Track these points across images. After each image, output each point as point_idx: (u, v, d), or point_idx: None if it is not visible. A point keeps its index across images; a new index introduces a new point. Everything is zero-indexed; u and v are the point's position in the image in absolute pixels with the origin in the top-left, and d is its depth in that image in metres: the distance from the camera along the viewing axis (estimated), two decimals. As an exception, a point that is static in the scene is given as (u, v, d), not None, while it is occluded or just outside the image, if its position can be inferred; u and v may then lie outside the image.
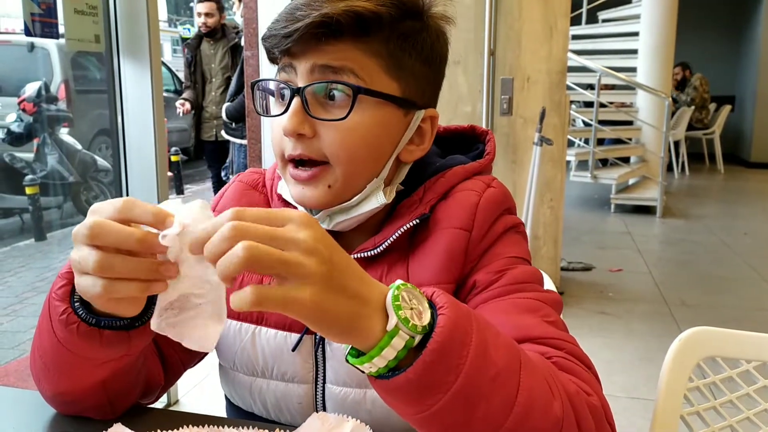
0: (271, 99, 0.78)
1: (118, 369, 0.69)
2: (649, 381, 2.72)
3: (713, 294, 3.91)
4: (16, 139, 4.99)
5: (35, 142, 5.02)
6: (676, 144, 8.29)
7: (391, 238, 0.76)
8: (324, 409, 0.78)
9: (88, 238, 0.54)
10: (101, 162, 5.58)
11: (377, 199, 0.77)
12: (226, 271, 0.47)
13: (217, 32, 4.50)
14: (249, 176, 0.89)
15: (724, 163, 8.88)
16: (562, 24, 3.42)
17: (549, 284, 0.97)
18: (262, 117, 0.79)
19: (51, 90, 5.38)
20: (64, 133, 5.25)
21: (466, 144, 0.89)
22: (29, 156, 5.02)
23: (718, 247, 5.03)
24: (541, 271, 0.82)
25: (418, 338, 0.53)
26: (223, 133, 4.36)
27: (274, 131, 0.76)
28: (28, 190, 4.73)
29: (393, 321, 0.53)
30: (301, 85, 0.73)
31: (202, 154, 4.87)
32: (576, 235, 5.06)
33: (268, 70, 3.08)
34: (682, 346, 0.88)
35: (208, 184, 7.40)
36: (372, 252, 0.77)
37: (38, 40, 5.62)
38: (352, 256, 0.78)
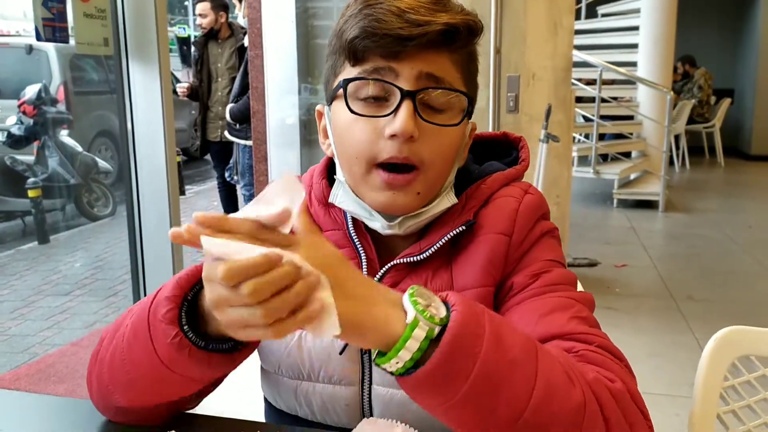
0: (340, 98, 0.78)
1: (203, 386, 0.71)
2: (657, 375, 2.73)
3: (720, 288, 3.92)
4: (16, 142, 4.98)
5: (35, 144, 5.01)
6: (677, 138, 8.30)
7: (437, 244, 0.77)
8: (371, 410, 0.79)
9: (249, 297, 0.52)
10: (102, 164, 5.57)
11: (448, 200, 0.80)
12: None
13: (221, 32, 4.48)
14: None
15: (724, 156, 8.90)
16: (567, 20, 3.42)
17: (580, 286, 0.98)
18: (350, 115, 0.76)
19: (50, 92, 5.37)
20: (64, 136, 5.25)
21: (499, 150, 0.90)
22: (30, 159, 5.02)
23: (723, 240, 5.04)
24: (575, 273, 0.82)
25: (437, 329, 0.58)
26: (226, 134, 4.35)
27: (364, 132, 0.74)
28: (30, 193, 4.72)
29: (411, 314, 0.58)
30: (407, 88, 0.73)
31: (206, 154, 4.86)
32: (580, 231, 5.06)
33: (273, 71, 3.04)
34: (718, 346, 0.89)
35: (209, 185, 7.40)
36: (417, 257, 0.78)
37: (36, 42, 5.61)
38: (396, 261, 0.79)
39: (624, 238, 5.09)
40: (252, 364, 0.87)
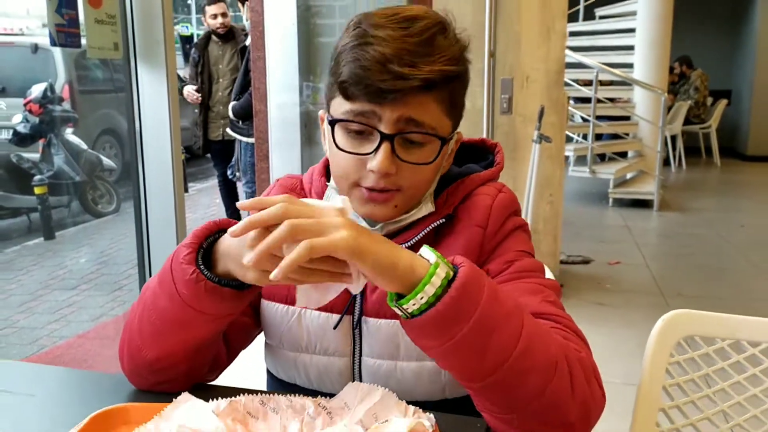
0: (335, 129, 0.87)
1: (217, 332, 0.83)
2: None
3: (710, 285, 4.02)
4: (22, 140, 5.04)
5: (41, 142, 5.08)
6: (673, 138, 8.38)
7: (422, 233, 0.89)
8: (360, 379, 0.90)
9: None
10: (106, 161, 5.65)
11: (426, 208, 0.91)
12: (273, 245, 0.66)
13: (227, 33, 4.59)
14: (288, 181, 1.01)
15: (720, 156, 8.97)
16: (560, 24, 3.52)
17: (548, 274, 1.09)
18: (336, 149, 0.87)
19: (56, 91, 5.45)
20: (69, 134, 5.31)
21: (477, 154, 1.02)
22: (36, 156, 5.08)
23: (715, 239, 5.14)
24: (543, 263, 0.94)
25: (452, 273, 0.68)
26: (228, 130, 4.45)
27: (348, 161, 0.86)
28: (36, 190, 4.79)
29: (433, 257, 0.69)
30: (385, 130, 0.83)
31: (207, 153, 4.96)
32: (575, 230, 5.16)
33: (275, 72, 3.13)
34: (665, 326, 0.99)
35: (211, 183, 7.49)
36: (404, 246, 0.88)
37: (41, 41, 5.69)
38: None
39: (618, 237, 5.19)
40: (257, 343, 0.99)
